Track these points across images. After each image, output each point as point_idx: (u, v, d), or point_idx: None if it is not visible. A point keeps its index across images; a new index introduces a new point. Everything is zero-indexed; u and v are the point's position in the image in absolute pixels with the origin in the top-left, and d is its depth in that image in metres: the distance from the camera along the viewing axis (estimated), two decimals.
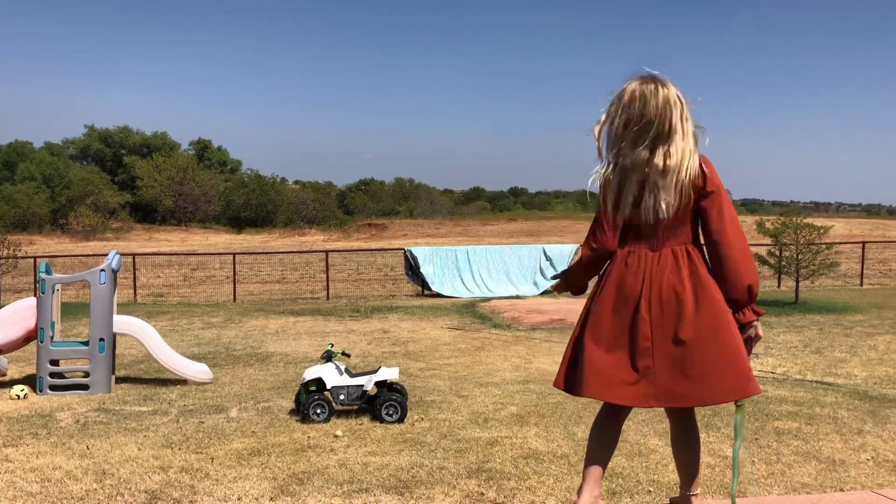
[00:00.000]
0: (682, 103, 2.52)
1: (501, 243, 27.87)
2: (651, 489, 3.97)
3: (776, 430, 5.17)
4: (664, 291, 2.49)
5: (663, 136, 2.49)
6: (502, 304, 14.98)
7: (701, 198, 2.51)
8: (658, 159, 2.48)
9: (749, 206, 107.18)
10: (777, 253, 15.57)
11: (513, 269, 18.16)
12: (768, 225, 15.50)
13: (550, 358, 8.52)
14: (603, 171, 2.58)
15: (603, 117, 2.59)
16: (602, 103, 2.61)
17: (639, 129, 2.50)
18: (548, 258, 18.26)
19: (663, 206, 2.49)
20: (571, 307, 14.08)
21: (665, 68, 2.58)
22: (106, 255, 7.78)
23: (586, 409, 5.86)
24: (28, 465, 4.55)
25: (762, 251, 15.80)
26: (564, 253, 18.45)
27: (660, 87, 2.51)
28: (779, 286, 19.23)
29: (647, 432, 5.14)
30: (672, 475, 4.19)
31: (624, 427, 5.20)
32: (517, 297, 16.76)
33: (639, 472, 4.26)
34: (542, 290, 17.66)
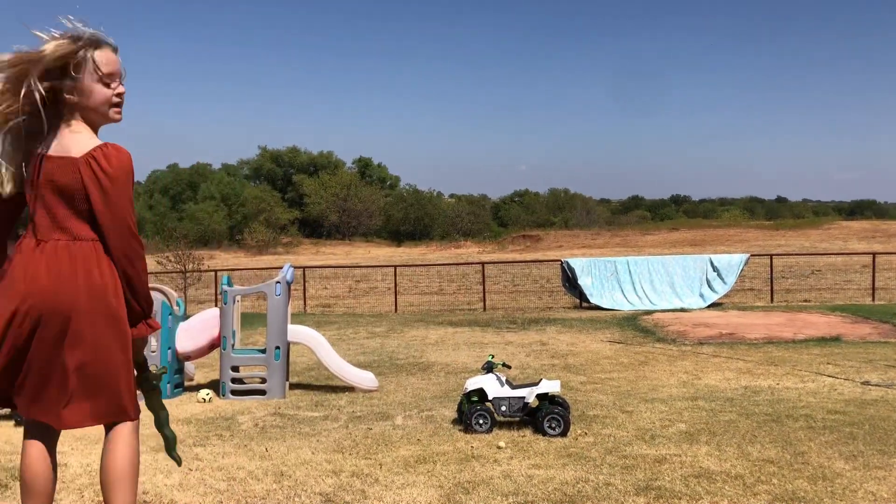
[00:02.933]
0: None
1: (663, 254, 26.99)
2: None
3: None
4: None
5: None
6: (666, 317, 14.48)
7: None
8: None
9: None
10: None
11: (677, 281, 17.48)
12: None
13: (721, 374, 8.13)
14: None
15: None
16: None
17: None
18: (715, 269, 17.44)
19: None
20: (742, 320, 13.39)
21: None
22: (278, 268, 8.24)
23: (761, 428, 5.54)
24: (215, 463, 4.88)
25: None
26: (733, 263, 17.56)
27: None
28: None
29: (832, 455, 4.78)
30: (862, 501, 3.86)
31: (805, 449, 4.87)
32: (682, 309, 16.14)
33: (823, 498, 3.96)
34: (709, 302, 16.91)
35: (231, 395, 7.43)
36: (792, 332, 11.50)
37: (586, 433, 5.55)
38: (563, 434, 5.46)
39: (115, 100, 2.55)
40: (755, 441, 5.18)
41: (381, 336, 12.67)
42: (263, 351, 7.63)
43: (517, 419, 5.85)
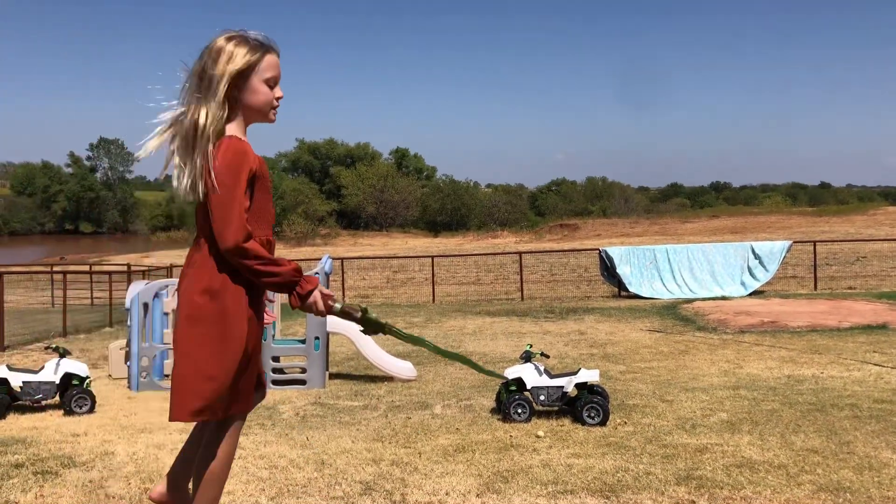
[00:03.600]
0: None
1: (703, 241, 26.64)
2: None
3: None
4: None
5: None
6: (706, 305, 14.29)
7: None
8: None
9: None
10: None
11: (718, 269, 17.22)
12: None
13: (763, 363, 8.01)
14: None
15: None
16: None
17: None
18: (756, 256, 17.16)
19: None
20: (784, 308, 13.17)
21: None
22: (317, 259, 8.32)
23: (805, 418, 5.45)
24: (257, 452, 4.96)
25: None
26: (775, 250, 17.26)
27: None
28: None
29: (879, 444, 4.69)
30: None
31: (850, 438, 4.78)
32: (723, 298, 15.92)
33: (870, 488, 3.89)
34: (750, 290, 16.66)
35: (272, 386, 7.53)
36: (836, 320, 11.27)
37: (626, 422, 5.52)
38: (603, 423, 5.44)
39: (275, 102, 2.62)
40: (799, 430, 5.10)
41: (419, 326, 12.72)
42: (303, 341, 7.71)
43: (556, 408, 5.84)
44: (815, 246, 19.45)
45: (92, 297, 20.00)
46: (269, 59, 2.56)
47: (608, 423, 5.46)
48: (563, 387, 5.75)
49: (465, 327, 12.26)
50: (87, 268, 27.13)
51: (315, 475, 4.40)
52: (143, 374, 7.60)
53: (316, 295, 2.58)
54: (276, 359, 7.65)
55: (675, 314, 13.10)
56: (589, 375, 5.75)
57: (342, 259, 22.50)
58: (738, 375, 7.35)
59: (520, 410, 5.62)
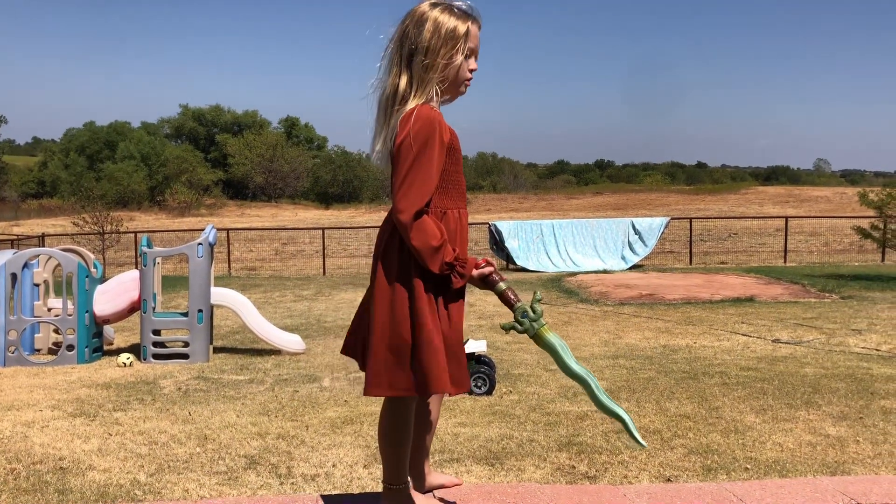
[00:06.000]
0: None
1: (587, 217, 27.47)
2: (749, 466, 3.86)
3: (882, 409, 4.94)
4: None
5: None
6: (589, 278, 14.79)
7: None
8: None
9: (850, 177, 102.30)
10: (881, 226, 14.83)
11: (600, 243, 17.86)
12: (872, 196, 14.77)
13: (640, 333, 8.38)
14: None
15: None
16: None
17: None
18: (636, 231, 17.89)
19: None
20: (661, 282, 13.79)
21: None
22: (201, 230, 8.05)
23: (679, 385, 5.75)
24: (136, 428, 4.78)
25: (864, 223, 15.07)
26: (654, 226, 18.03)
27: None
28: (883, 260, 18.31)
29: (744, 409, 5.00)
30: (770, 452, 4.06)
31: (719, 404, 5.08)
32: (604, 271, 16.51)
33: (735, 450, 4.15)
34: (630, 264, 17.34)
35: (153, 360, 7.27)
36: (709, 293, 11.92)
37: (511, 391, 5.65)
38: (489, 393, 5.55)
39: (469, 75, 2.49)
40: (672, 397, 5.37)
41: (309, 299, 12.57)
42: (186, 314, 7.47)
43: None
44: (690, 223, 20.44)
45: None
46: (472, 29, 2.45)
47: (494, 392, 5.57)
48: None
49: (355, 300, 12.19)
50: None
51: (197, 450, 4.29)
52: (11, 348, 7.17)
53: (475, 274, 2.42)
54: (156, 332, 7.38)
55: (560, 287, 13.48)
56: (476, 346, 5.85)
57: (228, 230, 21.86)
58: (618, 345, 7.65)
59: None
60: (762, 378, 5.95)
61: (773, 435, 4.41)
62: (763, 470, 3.81)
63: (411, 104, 2.38)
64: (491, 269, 2.42)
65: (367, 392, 2.38)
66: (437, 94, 2.43)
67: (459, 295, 2.45)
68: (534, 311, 2.40)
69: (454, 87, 2.48)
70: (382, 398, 2.45)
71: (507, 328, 2.41)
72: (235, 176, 71.19)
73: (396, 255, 2.40)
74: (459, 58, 2.43)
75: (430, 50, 2.39)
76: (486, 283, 2.42)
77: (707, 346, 7.55)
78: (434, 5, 2.43)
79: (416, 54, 2.40)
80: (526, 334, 2.41)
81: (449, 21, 2.41)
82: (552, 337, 2.38)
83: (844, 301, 10.97)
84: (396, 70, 2.43)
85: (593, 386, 2.37)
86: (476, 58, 2.50)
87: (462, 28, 2.42)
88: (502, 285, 2.42)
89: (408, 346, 2.36)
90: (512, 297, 2.40)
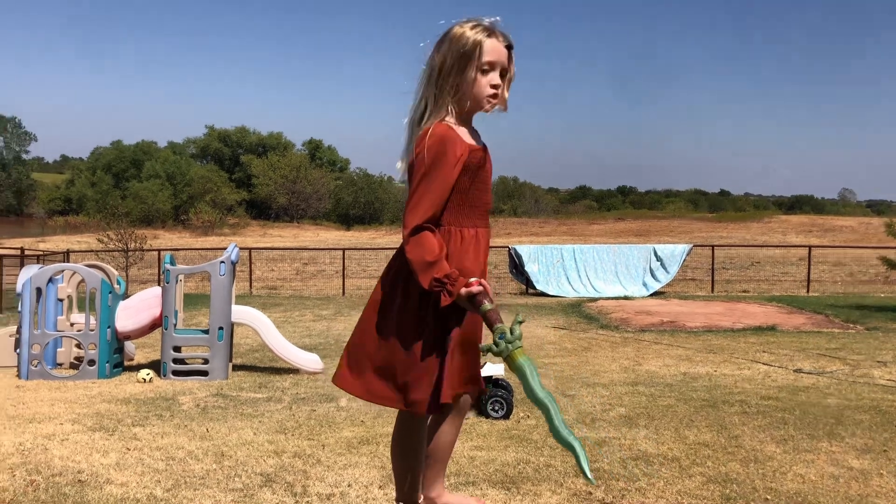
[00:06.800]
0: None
1: (609, 243, 27.38)
2: (768, 497, 3.81)
3: None
4: None
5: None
6: (609, 304, 14.72)
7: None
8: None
9: (876, 207, 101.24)
10: None
11: (621, 269, 17.78)
12: None
13: (661, 360, 8.31)
14: None
15: None
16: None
17: None
18: (658, 258, 17.79)
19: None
20: (683, 309, 13.68)
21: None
22: (223, 248, 8.13)
23: (698, 413, 5.68)
24: (154, 443, 4.81)
25: (891, 254, 14.90)
26: (676, 253, 17.94)
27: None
28: None
29: (764, 439, 4.93)
30: (791, 483, 4.00)
31: (738, 433, 5.02)
32: (625, 297, 16.42)
33: (755, 479, 4.09)
34: (651, 291, 17.24)
35: (172, 376, 7.32)
36: (730, 322, 11.80)
37: (529, 416, 5.62)
38: (506, 417, 5.52)
39: (489, 90, 2.45)
40: (692, 425, 5.31)
41: (328, 319, 12.60)
42: (206, 331, 7.52)
43: None
44: (713, 250, 20.30)
45: None
46: (489, 43, 2.42)
47: (511, 416, 5.55)
48: None
49: None
50: None
51: (214, 467, 4.30)
52: (34, 361, 7.25)
53: (462, 293, 2.42)
54: (177, 349, 7.43)
55: (580, 312, 13.42)
56: (494, 370, 5.83)
57: (250, 249, 22.04)
58: (638, 372, 7.59)
59: None
60: (783, 408, 5.87)
61: (795, 466, 4.35)
62: (783, 501, 3.75)
63: (428, 123, 2.41)
64: (480, 289, 2.39)
65: (335, 380, 2.52)
66: (452, 111, 2.42)
67: (458, 319, 2.47)
68: (511, 333, 2.40)
69: (475, 102, 2.45)
70: (395, 418, 2.50)
71: (484, 350, 2.43)
72: (259, 196, 71.88)
73: (400, 271, 2.51)
74: (472, 73, 2.39)
75: (444, 67, 2.41)
76: (472, 303, 2.41)
77: (728, 374, 7.47)
78: (459, 24, 2.43)
79: (433, 74, 2.44)
80: (500, 356, 2.42)
81: (464, 37, 2.40)
82: (523, 360, 2.40)
83: (870, 332, 10.81)
84: (422, 92, 2.47)
85: (552, 413, 2.39)
86: (503, 74, 2.45)
87: (476, 42, 2.39)
88: (487, 306, 2.41)
89: (397, 362, 2.47)
90: (494, 318, 2.40)
